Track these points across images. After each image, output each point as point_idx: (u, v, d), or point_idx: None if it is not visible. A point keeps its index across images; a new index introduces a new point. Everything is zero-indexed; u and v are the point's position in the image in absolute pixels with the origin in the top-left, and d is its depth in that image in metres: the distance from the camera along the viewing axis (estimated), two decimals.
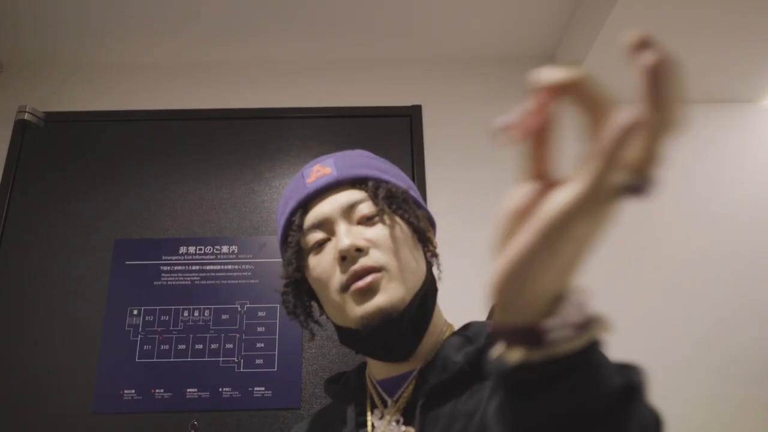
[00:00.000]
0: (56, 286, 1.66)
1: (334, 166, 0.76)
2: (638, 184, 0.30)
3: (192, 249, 1.69)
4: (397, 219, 0.73)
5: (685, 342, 1.64)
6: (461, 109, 1.88)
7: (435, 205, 1.70)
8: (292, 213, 0.76)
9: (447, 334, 0.74)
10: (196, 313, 1.63)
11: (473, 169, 1.81)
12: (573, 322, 0.35)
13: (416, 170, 1.78)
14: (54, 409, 1.54)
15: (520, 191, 0.34)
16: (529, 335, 0.35)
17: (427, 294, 0.72)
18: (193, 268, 1.67)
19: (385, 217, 0.72)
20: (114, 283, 1.65)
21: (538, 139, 0.34)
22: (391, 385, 0.73)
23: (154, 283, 1.66)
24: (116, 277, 1.66)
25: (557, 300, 0.35)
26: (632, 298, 1.68)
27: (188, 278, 1.66)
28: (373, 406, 0.74)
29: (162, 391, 1.56)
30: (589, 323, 0.35)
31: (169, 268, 1.67)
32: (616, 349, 1.47)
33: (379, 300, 0.67)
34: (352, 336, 0.71)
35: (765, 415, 1.57)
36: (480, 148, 1.82)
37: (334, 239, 0.72)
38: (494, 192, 1.74)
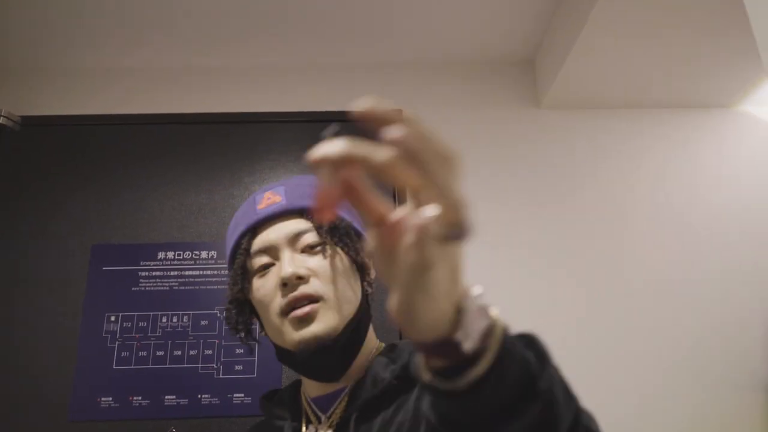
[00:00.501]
0: (32, 292, 1.63)
1: (284, 195, 0.82)
2: (455, 233, 0.34)
3: (170, 254, 1.68)
4: (339, 250, 0.79)
5: (675, 348, 1.66)
6: (441, 114, 1.89)
7: None
8: (241, 236, 0.81)
9: (376, 354, 0.81)
10: (175, 319, 1.61)
11: None
12: (478, 329, 0.38)
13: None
14: (30, 416, 1.52)
15: (374, 235, 0.38)
16: (444, 347, 0.38)
17: (360, 321, 0.78)
18: (172, 273, 1.66)
19: (327, 248, 0.78)
20: (91, 289, 1.63)
21: (356, 198, 0.36)
22: (324, 402, 0.79)
23: (132, 288, 1.64)
24: (93, 282, 1.64)
25: (458, 312, 0.38)
26: (618, 304, 1.69)
27: (167, 284, 1.65)
28: (308, 422, 0.80)
29: (140, 398, 1.54)
30: (491, 328, 0.39)
31: (147, 273, 1.66)
32: (609, 355, 1.48)
33: (315, 328, 0.73)
34: (288, 356, 0.77)
35: (760, 420, 1.59)
36: (462, 152, 1.82)
37: (278, 264, 0.77)
38: (478, 192, 1.74)
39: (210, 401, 1.55)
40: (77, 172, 1.76)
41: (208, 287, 1.64)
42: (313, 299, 0.74)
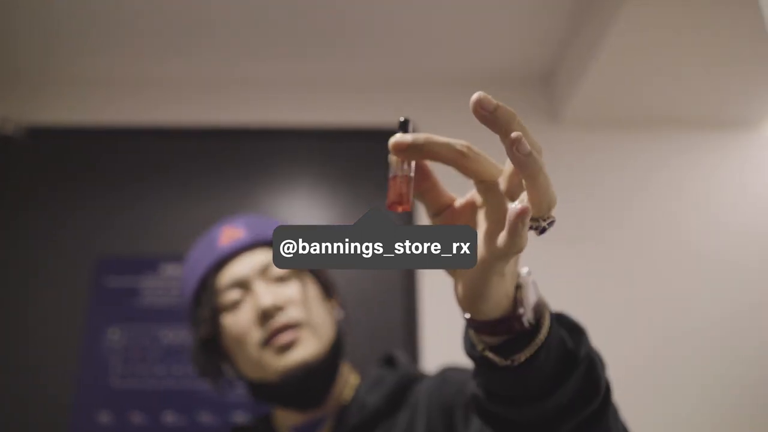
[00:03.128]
0: (34, 304, 1.62)
1: (245, 228, 0.82)
2: (541, 227, 0.38)
3: (174, 269, 1.65)
4: (308, 278, 0.80)
5: (680, 364, 1.61)
6: (457, 130, 1.83)
7: None
8: (206, 274, 0.79)
9: (352, 378, 0.82)
10: (178, 335, 1.59)
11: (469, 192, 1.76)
12: (532, 303, 0.42)
13: None
14: (29, 430, 1.50)
15: (439, 222, 0.44)
16: (505, 323, 0.41)
17: (338, 344, 0.79)
18: (175, 288, 1.63)
19: (299, 276, 0.79)
20: (94, 302, 1.61)
21: (427, 186, 0.43)
22: (305, 431, 0.78)
23: (135, 303, 1.62)
24: (96, 296, 1.62)
25: (517, 289, 0.42)
26: (639, 333, 1.63)
27: (170, 299, 1.62)
28: None
29: (139, 415, 1.52)
30: (541, 302, 0.43)
31: (150, 287, 1.63)
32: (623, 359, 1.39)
33: (300, 353, 0.73)
34: (269, 389, 0.75)
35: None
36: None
37: (250, 298, 0.76)
38: None
39: (211, 420, 1.52)
40: (83, 183, 1.74)
41: None
42: (293, 327, 0.74)
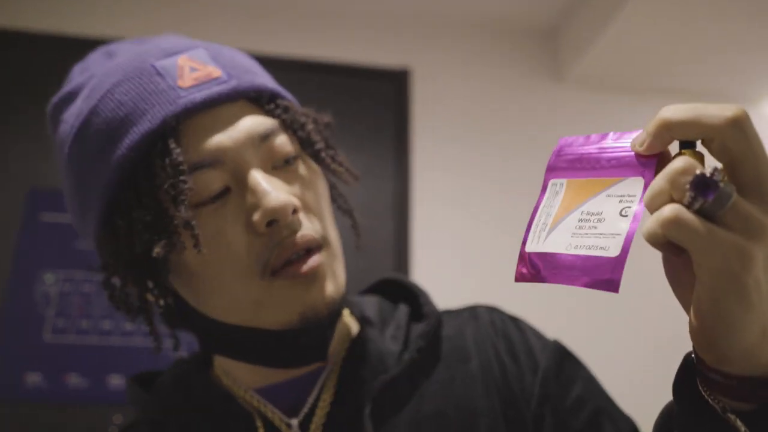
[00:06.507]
0: None
1: (221, 66, 0.47)
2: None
3: None
4: (313, 165, 0.50)
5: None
6: (452, 75, 1.71)
7: (422, 185, 1.58)
8: (155, 133, 0.43)
9: (344, 318, 0.53)
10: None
11: (467, 148, 1.65)
12: None
13: (399, 145, 1.60)
14: None
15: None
16: (761, 389, 0.29)
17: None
18: None
19: (304, 162, 0.49)
20: (24, 240, 1.38)
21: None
22: (282, 395, 0.49)
23: (75, 244, 1.37)
24: (27, 233, 1.38)
25: None
26: (641, 299, 1.56)
27: None
28: (252, 429, 0.47)
29: (77, 377, 1.30)
30: None
31: None
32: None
33: (331, 288, 0.46)
34: (261, 340, 0.47)
35: None
36: (474, 123, 1.67)
37: (239, 190, 0.45)
38: (488, 172, 1.63)
39: None
40: (19, 97, 1.48)
41: None
42: (316, 246, 0.45)
